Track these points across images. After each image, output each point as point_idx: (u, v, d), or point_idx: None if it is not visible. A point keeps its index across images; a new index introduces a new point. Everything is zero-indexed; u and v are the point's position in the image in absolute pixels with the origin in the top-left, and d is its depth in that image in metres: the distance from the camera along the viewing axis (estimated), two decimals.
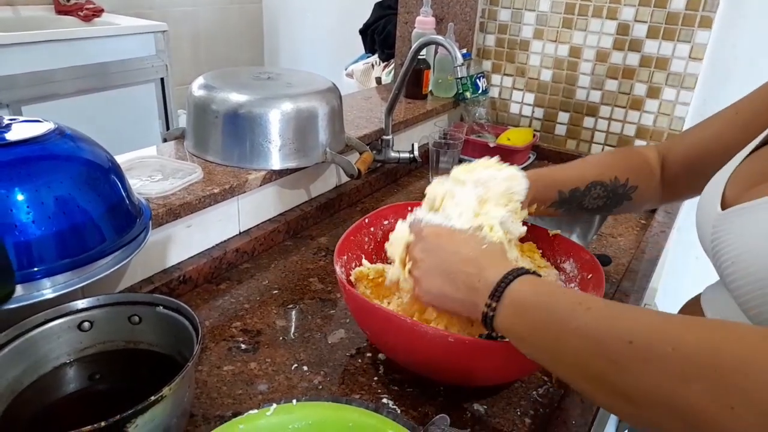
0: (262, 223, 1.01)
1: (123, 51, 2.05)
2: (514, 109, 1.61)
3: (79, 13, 2.16)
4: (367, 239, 0.83)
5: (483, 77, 1.56)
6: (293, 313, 0.84)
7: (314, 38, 2.99)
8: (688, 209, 1.38)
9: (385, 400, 0.68)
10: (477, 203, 0.70)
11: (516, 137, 1.45)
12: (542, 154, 1.56)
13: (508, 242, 0.70)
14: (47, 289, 0.59)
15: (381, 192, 1.29)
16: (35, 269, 0.58)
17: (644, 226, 1.18)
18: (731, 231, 0.53)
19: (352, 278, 0.77)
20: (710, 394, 0.37)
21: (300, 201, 1.10)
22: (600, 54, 1.44)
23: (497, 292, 0.54)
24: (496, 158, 0.76)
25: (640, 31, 1.37)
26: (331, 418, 0.54)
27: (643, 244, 1.07)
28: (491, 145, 1.42)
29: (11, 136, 0.59)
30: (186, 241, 0.88)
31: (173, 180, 0.88)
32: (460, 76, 1.07)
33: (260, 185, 0.97)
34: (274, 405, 0.53)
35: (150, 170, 0.91)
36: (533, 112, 1.58)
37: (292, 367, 0.72)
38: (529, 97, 1.58)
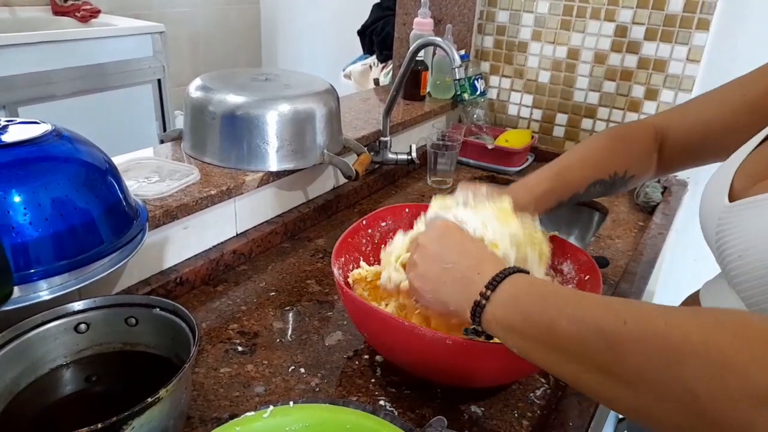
0: (259, 224, 1.01)
1: (120, 52, 2.05)
2: (512, 110, 1.62)
3: (76, 14, 2.16)
4: (364, 241, 0.83)
5: (481, 79, 1.56)
6: (290, 315, 0.83)
7: (312, 39, 2.99)
8: (686, 211, 1.39)
9: (382, 402, 0.68)
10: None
11: (514, 139, 1.45)
12: (540, 155, 1.56)
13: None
14: (44, 291, 0.58)
15: (379, 194, 1.29)
16: (32, 271, 0.58)
17: (642, 227, 1.18)
18: (738, 224, 0.51)
19: (349, 280, 0.77)
20: (706, 372, 0.36)
21: (297, 203, 1.10)
22: (598, 56, 1.44)
23: (494, 282, 0.53)
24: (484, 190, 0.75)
25: (637, 33, 1.38)
26: (328, 420, 0.53)
27: (641, 246, 1.07)
28: (489, 146, 1.42)
29: (8, 137, 0.59)
30: (183, 243, 0.87)
31: (170, 181, 0.88)
32: (458, 78, 1.07)
33: (257, 187, 0.96)
34: (271, 407, 0.53)
35: (147, 172, 0.91)
36: (531, 113, 1.59)
37: (290, 369, 0.72)
38: (528, 99, 1.58)
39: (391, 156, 1.22)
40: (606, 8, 1.40)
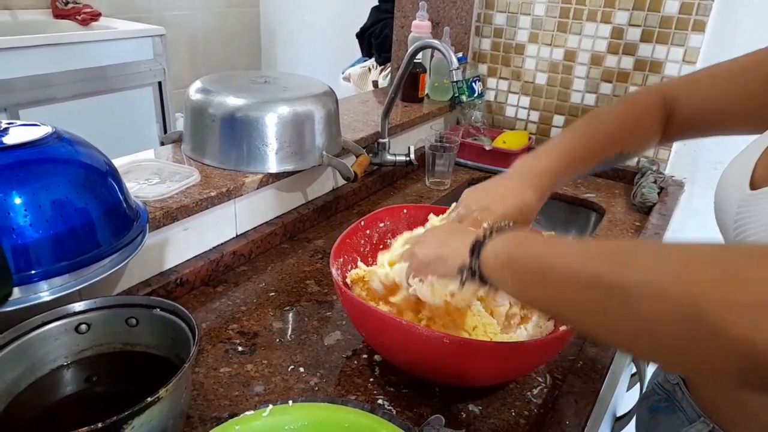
0: (259, 225, 1.02)
1: (120, 55, 2.06)
2: (509, 112, 1.62)
3: (77, 17, 2.16)
4: (363, 242, 0.84)
5: (479, 81, 1.56)
6: (290, 315, 0.84)
7: (311, 42, 3.00)
8: (683, 211, 1.39)
9: (380, 401, 0.68)
10: None
11: (512, 140, 1.46)
12: None
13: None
14: (44, 292, 0.59)
15: (377, 195, 1.29)
16: (32, 272, 0.58)
17: (638, 228, 1.19)
18: (761, 212, 0.50)
19: (348, 281, 0.77)
20: (710, 280, 0.34)
21: (297, 204, 1.10)
22: (594, 57, 1.45)
23: (495, 229, 0.55)
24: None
25: (634, 34, 1.38)
26: (327, 419, 0.54)
27: None
28: (487, 148, 1.43)
29: (9, 139, 0.60)
30: (183, 244, 0.88)
31: (170, 183, 0.88)
32: (456, 80, 1.08)
33: (257, 188, 0.97)
34: (271, 406, 0.54)
35: (147, 173, 0.91)
36: (529, 115, 1.59)
37: (289, 369, 0.73)
38: (525, 101, 1.58)
39: (389, 157, 1.23)
40: (602, 10, 1.40)
